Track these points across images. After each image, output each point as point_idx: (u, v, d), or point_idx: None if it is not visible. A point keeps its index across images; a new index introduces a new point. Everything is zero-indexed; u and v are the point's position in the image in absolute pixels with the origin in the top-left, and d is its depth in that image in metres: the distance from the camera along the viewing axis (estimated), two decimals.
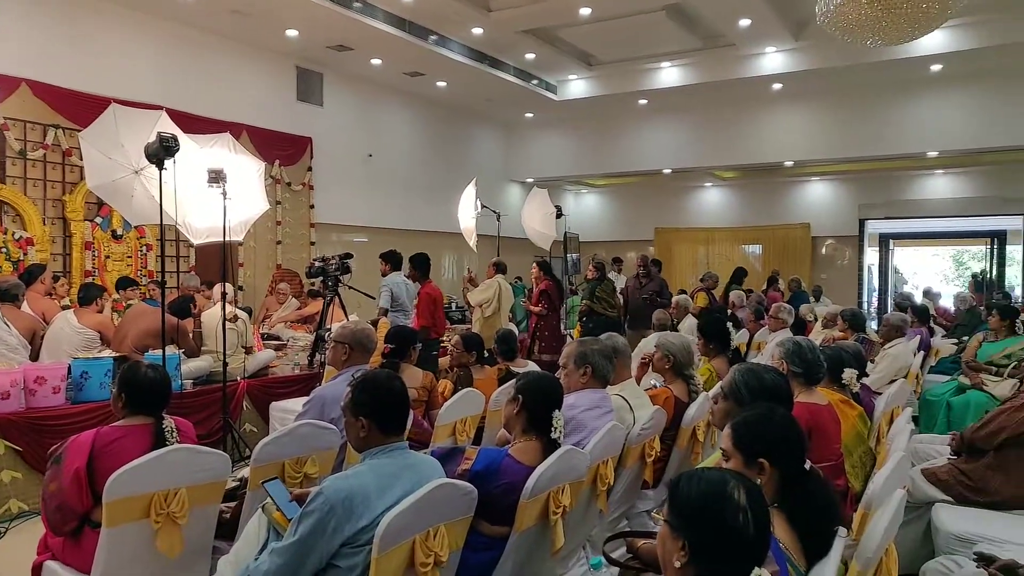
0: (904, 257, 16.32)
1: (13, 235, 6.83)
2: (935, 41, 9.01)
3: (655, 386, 3.95)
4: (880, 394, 4.26)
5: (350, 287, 6.74)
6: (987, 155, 11.73)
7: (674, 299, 8.44)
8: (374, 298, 7.07)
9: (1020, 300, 11.75)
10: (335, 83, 10.45)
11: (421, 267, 6.76)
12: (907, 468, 2.94)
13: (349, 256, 6.40)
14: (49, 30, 7.20)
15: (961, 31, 9.13)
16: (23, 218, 6.98)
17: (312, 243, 10.08)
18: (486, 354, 4.86)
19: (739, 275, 11.05)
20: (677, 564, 1.42)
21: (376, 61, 10.03)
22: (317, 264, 6.43)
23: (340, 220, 10.62)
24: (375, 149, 11.12)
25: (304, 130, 9.93)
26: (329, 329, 5.77)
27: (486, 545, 2.43)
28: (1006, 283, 13.50)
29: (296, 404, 4.74)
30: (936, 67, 10.09)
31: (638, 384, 4.01)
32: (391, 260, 6.71)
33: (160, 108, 5.54)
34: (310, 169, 10.02)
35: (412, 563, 2.03)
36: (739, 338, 7.32)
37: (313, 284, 8.48)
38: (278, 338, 7.40)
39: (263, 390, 5.71)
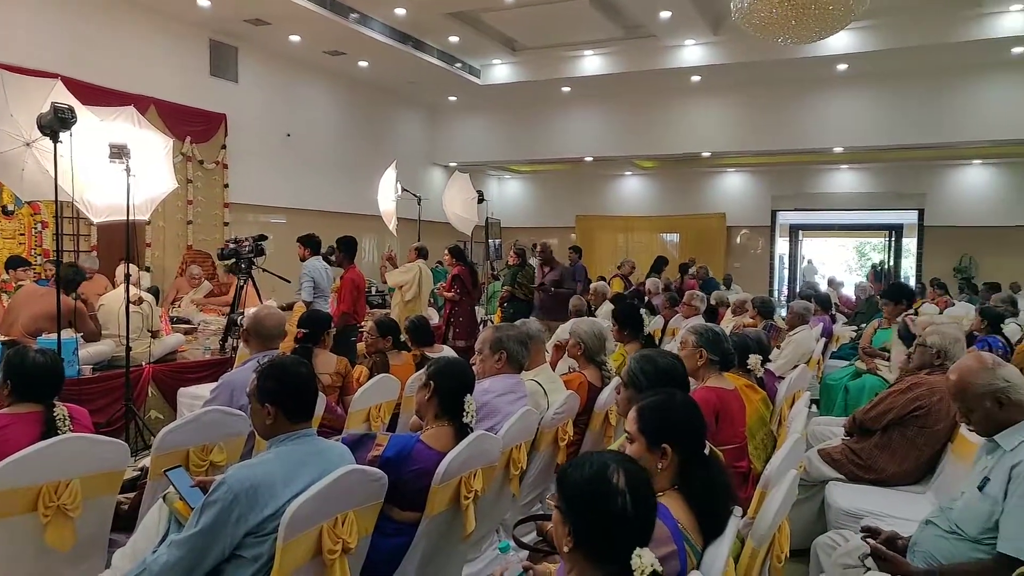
0: (812, 247, 17.12)
1: None
2: (841, 42, 9.41)
3: (572, 371, 4.01)
4: (783, 378, 4.45)
5: (264, 270, 6.56)
6: (886, 152, 12.38)
7: (592, 285, 8.56)
8: (290, 281, 6.91)
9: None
10: (251, 58, 10.10)
11: (348, 251, 6.60)
12: (802, 450, 3.08)
13: (264, 238, 6.24)
14: None
15: (864, 33, 9.57)
16: None
17: (226, 224, 9.75)
18: (403, 339, 4.82)
19: (659, 264, 11.30)
20: (565, 549, 1.46)
21: (295, 37, 9.75)
22: (230, 246, 6.23)
23: (256, 200, 10.32)
24: (294, 128, 10.83)
25: (218, 106, 9.56)
26: (242, 313, 5.62)
27: (397, 530, 2.43)
28: (902, 273, 14.31)
29: (206, 390, 4.58)
30: (842, 67, 10.54)
31: (554, 369, 4.08)
32: (310, 244, 6.50)
33: (55, 76, 5.23)
34: (224, 147, 9.66)
35: (320, 550, 2.00)
36: (654, 324, 7.52)
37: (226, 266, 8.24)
38: (188, 321, 7.16)
39: (171, 375, 5.51)
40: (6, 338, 4.65)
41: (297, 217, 10.72)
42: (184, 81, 9.10)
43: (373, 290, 9.92)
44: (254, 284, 6.17)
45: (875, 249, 17.84)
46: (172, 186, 5.58)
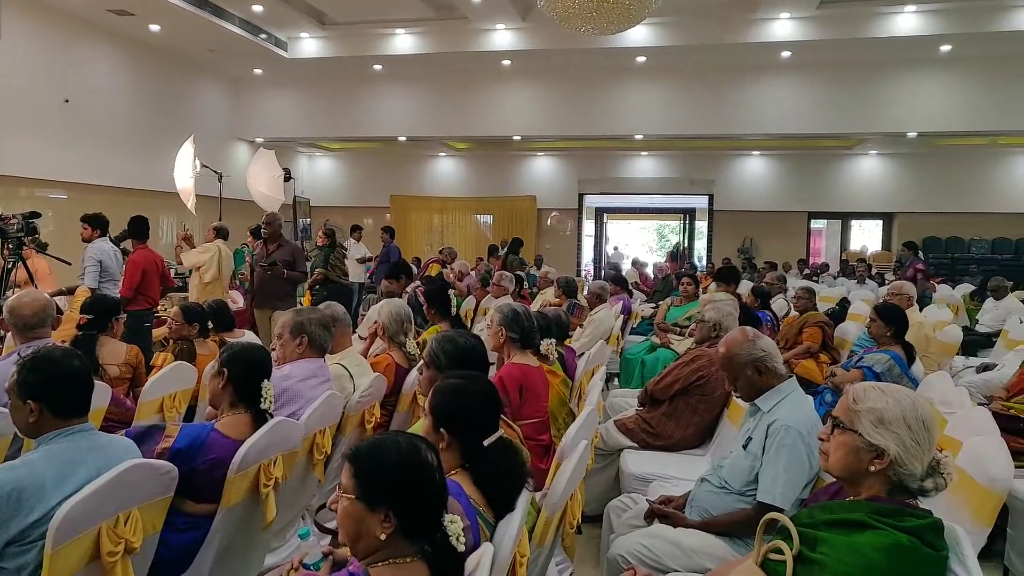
0: (617, 229, 18.18)
1: None
2: (640, 35, 10.05)
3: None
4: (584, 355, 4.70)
5: (39, 251, 5.92)
6: (679, 141, 13.42)
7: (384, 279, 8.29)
8: (70, 263, 6.29)
9: (704, 269, 13.63)
10: (16, 11, 8.92)
11: (139, 230, 6.10)
12: (596, 421, 3.28)
13: (36, 215, 5.61)
14: None
15: (660, 29, 10.27)
16: None
17: None
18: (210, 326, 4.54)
19: (516, 245, 11.38)
20: (383, 536, 1.47)
21: None
22: None
23: (29, 173, 9.22)
24: (73, 93, 9.76)
25: None
26: (7, 297, 5.02)
27: (189, 524, 2.32)
28: (696, 254, 15.60)
29: None
30: (641, 59, 11.26)
31: (366, 353, 4.04)
32: (97, 224, 5.92)
33: None
34: None
35: (98, 554, 1.86)
36: (467, 304, 7.65)
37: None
38: None
39: None
40: None
41: (82, 193, 9.75)
42: None
43: (172, 272, 9.25)
44: (25, 266, 5.55)
45: (673, 231, 19.27)
46: None
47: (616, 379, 6.54)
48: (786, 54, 10.74)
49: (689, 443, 3.83)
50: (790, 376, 2.68)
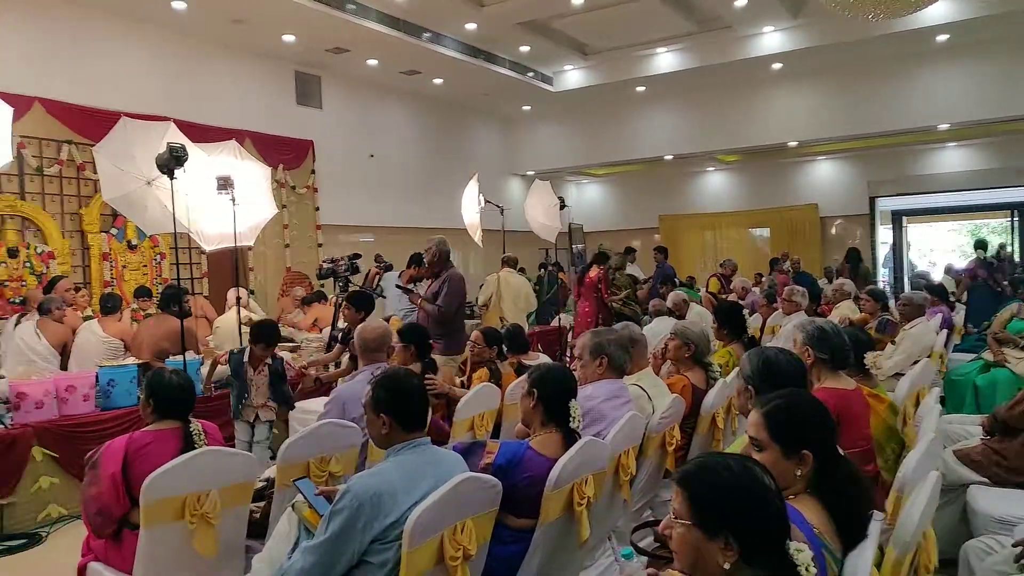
0: (919, 234, 15.97)
1: (35, 249, 7.02)
2: (940, 11, 8.84)
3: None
4: (903, 375, 4.19)
5: (360, 287, 6.73)
6: (999, 125, 11.44)
7: (670, 296, 8.09)
8: (385, 297, 7.09)
9: None
10: (333, 85, 10.46)
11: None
12: (939, 450, 2.87)
13: (357, 256, 6.40)
14: (55, 49, 7.32)
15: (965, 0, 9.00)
16: (43, 232, 7.16)
17: (319, 245, 10.11)
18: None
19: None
20: (727, 565, 1.38)
21: (372, 61, 10.03)
22: (326, 266, 6.43)
23: (345, 221, 10.65)
24: (376, 149, 11.13)
25: (305, 133, 9.95)
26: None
27: (513, 538, 2.43)
28: None
29: (314, 404, 4.76)
30: (943, 37, 9.93)
31: (657, 374, 4.00)
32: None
33: (167, 119, 5.58)
34: (313, 172, 10.04)
35: (442, 557, 2.03)
36: (752, 323, 7.27)
37: (322, 285, 8.52)
38: (292, 340, 7.41)
39: None
40: (139, 361, 4.94)
41: (384, 235, 11.02)
42: (274, 112, 9.54)
43: None
44: None
45: (994, 231, 16.52)
46: (272, 212, 5.82)
47: (939, 403, 5.73)
48: None
49: None
50: None
